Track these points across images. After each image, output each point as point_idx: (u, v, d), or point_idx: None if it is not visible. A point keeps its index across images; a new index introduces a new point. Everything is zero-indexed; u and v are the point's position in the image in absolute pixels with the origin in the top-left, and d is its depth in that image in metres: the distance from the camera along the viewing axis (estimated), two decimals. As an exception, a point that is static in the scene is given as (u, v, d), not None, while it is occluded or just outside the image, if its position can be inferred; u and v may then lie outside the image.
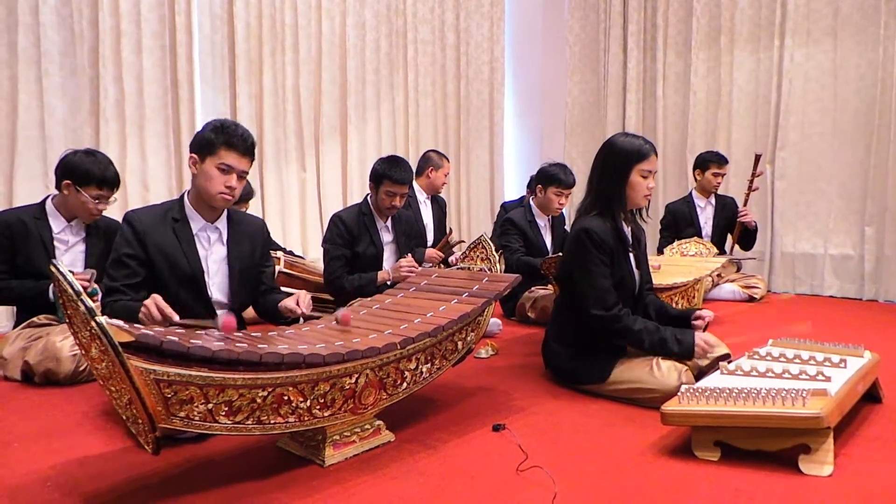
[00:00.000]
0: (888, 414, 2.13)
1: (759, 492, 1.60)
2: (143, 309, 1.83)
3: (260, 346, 1.64)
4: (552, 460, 1.78)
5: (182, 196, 2.21)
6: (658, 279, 3.38)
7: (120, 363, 1.33)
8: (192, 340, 1.49)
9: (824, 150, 4.93)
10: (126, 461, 1.79)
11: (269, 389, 1.59)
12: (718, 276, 4.47)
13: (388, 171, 3.08)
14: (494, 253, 3.30)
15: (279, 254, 3.82)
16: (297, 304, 2.12)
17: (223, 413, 1.52)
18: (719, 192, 4.64)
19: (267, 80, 4.82)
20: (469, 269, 2.92)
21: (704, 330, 2.38)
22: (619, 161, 2.37)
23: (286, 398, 1.63)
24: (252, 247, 2.30)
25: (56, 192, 2.75)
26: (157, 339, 1.40)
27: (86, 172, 2.67)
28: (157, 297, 1.84)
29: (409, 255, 3.24)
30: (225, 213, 2.25)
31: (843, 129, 4.85)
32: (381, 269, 3.19)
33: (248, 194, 3.83)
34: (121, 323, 1.41)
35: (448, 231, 4.40)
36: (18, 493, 1.61)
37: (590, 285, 2.34)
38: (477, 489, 1.63)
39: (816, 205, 4.99)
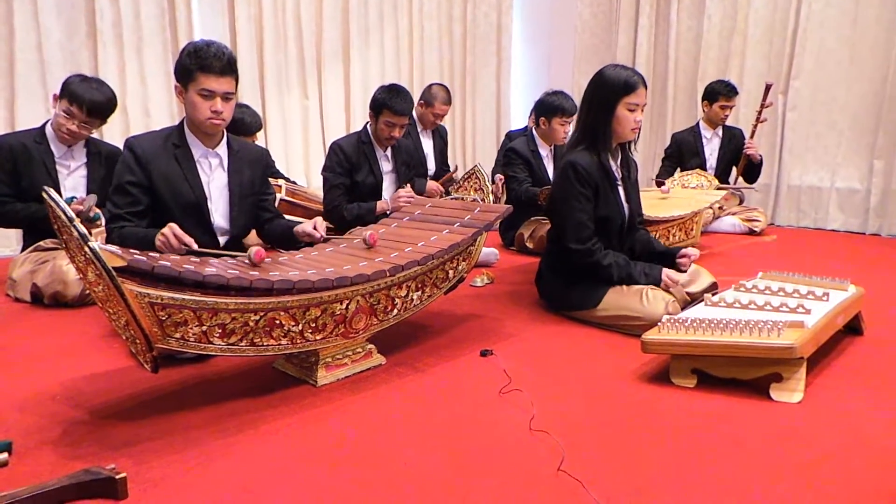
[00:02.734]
0: (865, 347, 2.19)
1: (729, 415, 1.67)
2: (160, 237, 1.90)
3: (252, 272, 1.69)
4: (534, 384, 1.87)
5: (181, 122, 2.20)
6: (657, 211, 3.39)
7: (114, 287, 1.39)
8: (184, 266, 1.54)
9: (839, 80, 4.77)
10: (129, 378, 1.90)
11: (261, 314, 1.66)
12: (720, 208, 4.45)
13: (389, 101, 3.04)
14: (488, 183, 3.29)
15: (280, 182, 3.82)
16: (315, 228, 2.19)
17: (217, 335, 1.60)
18: (728, 123, 4.55)
19: (266, 1, 4.69)
20: (462, 199, 2.94)
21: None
22: (606, 93, 2.33)
23: (278, 322, 1.70)
24: (252, 174, 2.32)
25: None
26: (149, 263, 1.45)
27: (66, 84, 2.68)
28: (173, 226, 1.91)
29: (409, 185, 3.26)
30: (224, 138, 2.26)
31: (860, 57, 4.67)
32: (380, 198, 3.21)
33: (256, 125, 3.71)
34: (114, 248, 1.46)
35: (454, 168, 4.37)
36: (28, 406, 1.72)
37: (568, 218, 2.38)
38: (460, 410, 1.72)
39: (826, 137, 4.88)
